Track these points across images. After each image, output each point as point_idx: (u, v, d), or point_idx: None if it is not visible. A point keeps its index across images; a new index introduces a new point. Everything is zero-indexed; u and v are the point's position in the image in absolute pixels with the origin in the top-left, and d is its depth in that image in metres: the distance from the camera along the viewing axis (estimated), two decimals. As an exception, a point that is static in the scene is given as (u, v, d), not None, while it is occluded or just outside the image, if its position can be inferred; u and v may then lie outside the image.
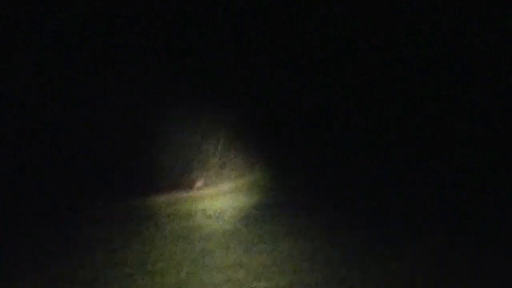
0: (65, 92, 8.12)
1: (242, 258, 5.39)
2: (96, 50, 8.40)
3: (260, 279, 4.86)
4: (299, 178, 8.20)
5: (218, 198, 7.82)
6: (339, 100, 8.90)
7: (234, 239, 6.03)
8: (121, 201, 7.53)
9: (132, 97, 8.22)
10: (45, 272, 5.30)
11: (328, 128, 8.75)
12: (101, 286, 4.96)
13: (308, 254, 5.41)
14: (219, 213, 7.04)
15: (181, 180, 8.17)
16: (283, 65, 8.92)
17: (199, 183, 8.24)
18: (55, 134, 8.02)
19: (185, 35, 8.83)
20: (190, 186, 8.19)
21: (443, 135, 8.46)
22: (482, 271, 4.83)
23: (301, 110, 8.86)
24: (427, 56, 8.96)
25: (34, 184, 7.61)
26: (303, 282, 4.76)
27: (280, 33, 8.99)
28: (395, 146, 8.35)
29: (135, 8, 8.66)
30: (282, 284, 4.74)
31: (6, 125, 7.91)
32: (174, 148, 8.26)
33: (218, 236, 6.13)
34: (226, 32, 8.93)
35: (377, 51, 9.00)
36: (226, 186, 8.23)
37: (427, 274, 4.83)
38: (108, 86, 8.16)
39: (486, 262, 5.01)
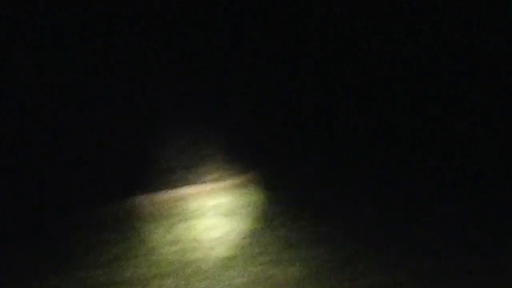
0: (63, 92, 8.09)
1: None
2: (96, 50, 8.40)
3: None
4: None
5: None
6: (339, 100, 8.91)
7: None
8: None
9: (132, 95, 8.22)
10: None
11: (328, 128, 8.74)
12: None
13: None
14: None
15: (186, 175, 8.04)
16: (283, 65, 8.93)
17: (205, 178, 8.05)
18: (54, 133, 7.97)
19: (185, 35, 8.83)
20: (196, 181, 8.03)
21: (443, 135, 8.45)
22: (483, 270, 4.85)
23: (301, 109, 8.86)
24: (427, 56, 8.97)
25: (31, 185, 7.48)
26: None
27: (280, 33, 9.00)
28: (395, 146, 8.34)
29: (135, 8, 8.66)
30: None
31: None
32: (176, 144, 8.20)
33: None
34: (226, 32, 8.94)
35: (377, 51, 9.01)
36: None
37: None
38: (107, 85, 8.14)
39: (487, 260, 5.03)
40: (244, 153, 8.32)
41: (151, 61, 8.50)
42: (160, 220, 6.40)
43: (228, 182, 7.91)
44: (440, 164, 7.95)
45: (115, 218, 6.59)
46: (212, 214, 6.58)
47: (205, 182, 7.91)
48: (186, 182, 7.84)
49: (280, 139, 8.56)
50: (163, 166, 7.97)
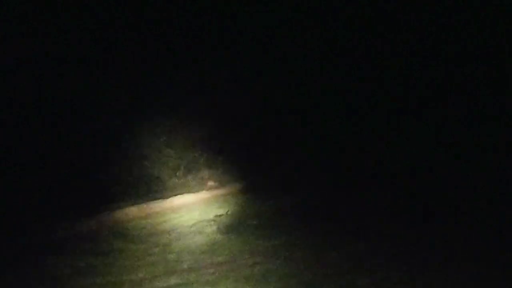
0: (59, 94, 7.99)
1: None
2: (96, 50, 8.39)
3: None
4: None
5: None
6: (337, 106, 8.91)
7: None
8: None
9: (128, 100, 8.15)
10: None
11: (325, 136, 8.73)
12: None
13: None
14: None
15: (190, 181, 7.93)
16: (280, 71, 8.92)
17: (210, 184, 7.98)
18: (50, 137, 7.79)
19: (185, 35, 8.83)
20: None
21: (443, 135, 8.46)
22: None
23: (298, 111, 8.87)
24: (427, 57, 8.98)
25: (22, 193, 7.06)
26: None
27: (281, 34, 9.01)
28: (395, 146, 8.34)
29: (135, 8, 8.66)
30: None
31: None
32: (175, 151, 8.12)
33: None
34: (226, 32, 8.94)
35: (378, 51, 9.02)
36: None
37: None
38: (104, 90, 8.04)
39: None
40: (239, 161, 8.21)
41: (147, 63, 8.48)
42: (146, 239, 5.62)
43: (222, 191, 7.80)
44: (440, 164, 7.96)
45: (94, 236, 5.79)
46: (207, 231, 6.04)
47: (197, 191, 7.77)
48: (176, 192, 7.58)
49: (276, 147, 8.50)
50: (153, 175, 7.73)
